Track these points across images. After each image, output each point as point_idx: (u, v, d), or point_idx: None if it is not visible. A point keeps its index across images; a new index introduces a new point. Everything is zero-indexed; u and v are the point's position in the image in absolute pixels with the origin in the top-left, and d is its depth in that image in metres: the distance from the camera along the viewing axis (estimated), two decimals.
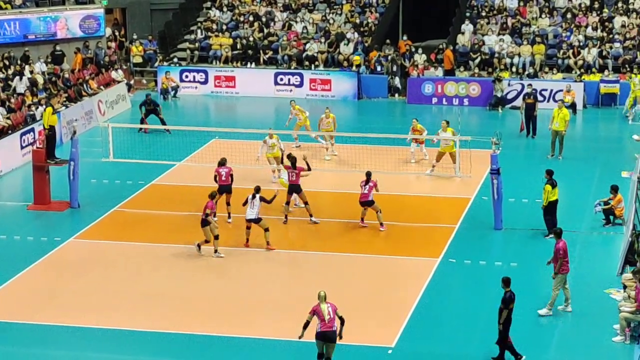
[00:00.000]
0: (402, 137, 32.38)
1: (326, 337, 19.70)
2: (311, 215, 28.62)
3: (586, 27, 45.59)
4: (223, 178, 28.58)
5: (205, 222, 25.88)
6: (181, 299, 23.91)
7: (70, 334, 22.21)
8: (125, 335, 22.12)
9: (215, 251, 25.99)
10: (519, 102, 42.22)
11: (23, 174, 33.44)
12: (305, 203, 28.68)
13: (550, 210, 27.26)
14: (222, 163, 28.84)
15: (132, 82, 45.78)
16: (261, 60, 46.61)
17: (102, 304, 23.60)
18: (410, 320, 22.69)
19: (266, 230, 26.45)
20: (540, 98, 40.16)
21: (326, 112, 34.72)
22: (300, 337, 20.09)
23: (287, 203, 28.70)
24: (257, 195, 26.47)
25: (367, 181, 28.02)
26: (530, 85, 39.34)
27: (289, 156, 28.96)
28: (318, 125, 34.88)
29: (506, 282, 20.74)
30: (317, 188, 31.25)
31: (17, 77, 39.75)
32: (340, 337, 19.85)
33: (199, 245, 26.12)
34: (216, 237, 25.92)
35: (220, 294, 24.24)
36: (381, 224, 28.08)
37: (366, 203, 28.06)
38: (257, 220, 26.51)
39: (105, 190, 31.80)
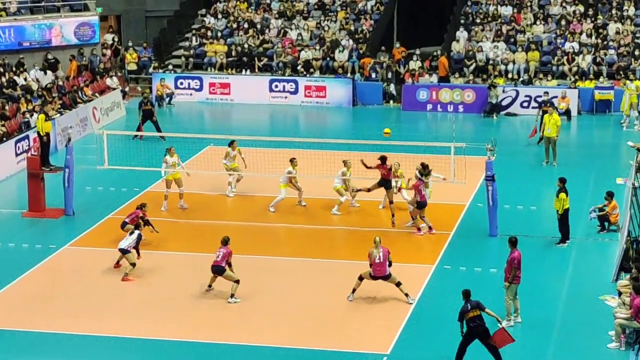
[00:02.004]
0: (397, 144, 32.24)
1: (376, 279, 23.62)
2: (393, 216, 28.95)
3: (580, 34, 45.66)
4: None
5: (222, 269, 24.30)
6: (176, 305, 23.87)
7: (65, 341, 22.18)
8: (120, 342, 22.09)
9: (232, 296, 24.27)
10: (513, 108, 42.37)
11: (18, 181, 33.41)
12: (390, 202, 28.99)
13: (565, 218, 27.28)
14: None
15: (127, 89, 45.78)
16: (256, 67, 46.62)
17: (96, 311, 23.57)
18: (405, 327, 22.69)
19: (236, 282, 24.20)
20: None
21: (347, 165, 30.39)
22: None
23: (369, 190, 29.38)
24: (136, 231, 25.77)
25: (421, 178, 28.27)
26: (546, 93, 39.21)
27: (382, 157, 29.22)
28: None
29: (465, 294, 20.84)
30: (313, 195, 31.25)
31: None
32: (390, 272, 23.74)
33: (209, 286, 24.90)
34: (236, 282, 24.32)
35: (216, 300, 24.19)
36: (419, 228, 28.48)
37: (423, 205, 28.23)
38: (125, 252, 25.61)
39: (100, 198, 31.78)
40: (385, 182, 29.20)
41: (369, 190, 29.50)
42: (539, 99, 39.52)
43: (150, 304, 23.99)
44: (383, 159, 29.33)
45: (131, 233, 25.95)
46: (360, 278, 24.02)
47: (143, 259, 26.09)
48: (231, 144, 31.48)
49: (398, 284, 23.86)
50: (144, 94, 40.49)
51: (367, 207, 30.47)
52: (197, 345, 21.93)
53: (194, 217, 29.90)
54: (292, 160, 30.39)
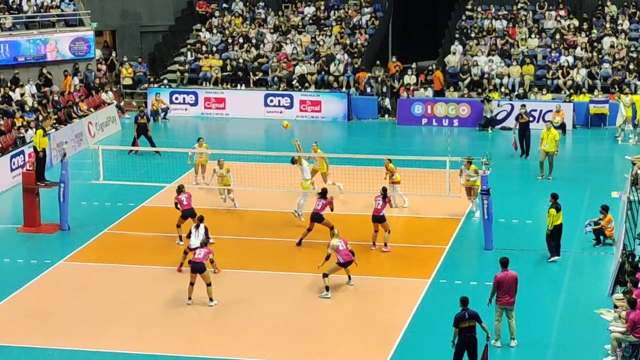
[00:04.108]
0: (392, 158, 32.22)
1: (347, 264, 25.12)
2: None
3: (575, 47, 45.76)
4: (185, 203, 28.22)
5: (203, 267, 24.48)
6: (171, 321, 23.83)
7: (60, 357, 22.12)
8: (116, 358, 22.03)
9: (211, 299, 24.56)
10: (508, 122, 42.39)
11: (13, 196, 33.37)
12: (331, 228, 27.45)
13: (555, 234, 27.19)
14: (180, 190, 28.53)
15: (122, 104, 45.78)
16: (251, 82, 46.67)
17: (92, 326, 23.52)
18: (401, 342, 22.64)
19: (208, 285, 24.38)
20: (529, 118, 40.18)
21: (313, 147, 32.41)
22: (319, 267, 25.21)
23: (309, 230, 28.14)
24: (201, 225, 26.05)
25: (384, 196, 27.92)
26: (524, 105, 39.33)
27: (323, 189, 28.66)
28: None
29: (463, 301, 20.75)
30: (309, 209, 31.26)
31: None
32: (356, 264, 25.29)
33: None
34: (209, 284, 24.53)
35: (211, 316, 24.16)
36: (385, 245, 28.04)
37: (378, 219, 27.97)
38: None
39: (95, 213, 31.74)
40: (316, 216, 28.18)
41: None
42: (518, 112, 39.52)
43: (146, 319, 23.93)
44: (324, 191, 28.52)
45: (197, 227, 25.97)
46: (325, 275, 24.78)
47: (139, 273, 26.00)
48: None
49: (325, 275, 24.88)
50: (140, 107, 40.53)
51: (356, 221, 30.41)
52: None
53: (186, 231, 29.81)
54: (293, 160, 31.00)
